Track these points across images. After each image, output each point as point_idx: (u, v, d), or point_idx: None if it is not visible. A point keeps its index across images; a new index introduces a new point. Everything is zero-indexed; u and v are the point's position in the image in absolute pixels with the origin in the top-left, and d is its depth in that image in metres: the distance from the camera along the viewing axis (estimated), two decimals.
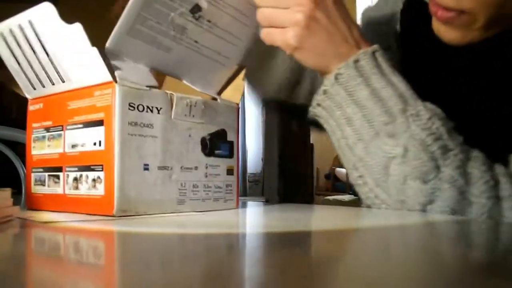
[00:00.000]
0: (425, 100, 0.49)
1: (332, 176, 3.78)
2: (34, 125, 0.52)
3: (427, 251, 0.30)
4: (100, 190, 0.45)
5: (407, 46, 0.62)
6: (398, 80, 0.50)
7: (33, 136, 0.52)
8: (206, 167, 0.51)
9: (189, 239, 0.36)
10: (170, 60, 0.51)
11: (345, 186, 3.36)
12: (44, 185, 0.50)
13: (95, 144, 0.45)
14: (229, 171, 0.53)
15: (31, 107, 0.53)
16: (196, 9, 0.50)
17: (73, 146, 0.47)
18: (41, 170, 0.50)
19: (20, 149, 0.81)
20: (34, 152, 0.52)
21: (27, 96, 0.53)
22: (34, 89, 0.51)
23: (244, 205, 0.59)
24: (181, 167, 0.49)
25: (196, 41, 0.52)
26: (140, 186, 0.45)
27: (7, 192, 0.41)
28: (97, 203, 0.45)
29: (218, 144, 0.52)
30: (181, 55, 0.51)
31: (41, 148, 0.51)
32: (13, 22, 0.48)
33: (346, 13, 0.53)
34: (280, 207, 0.60)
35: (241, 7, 0.54)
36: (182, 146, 0.49)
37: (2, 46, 0.50)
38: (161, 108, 0.47)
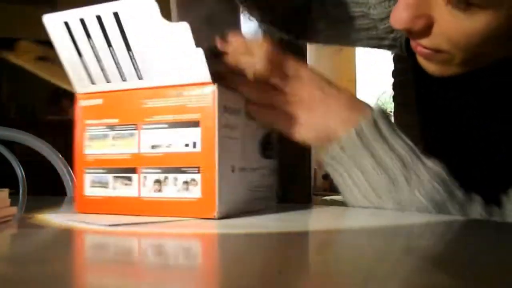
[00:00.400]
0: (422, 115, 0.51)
1: (329, 177, 3.77)
2: (89, 121, 0.48)
3: (418, 251, 0.30)
4: (195, 192, 0.44)
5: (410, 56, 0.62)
6: (398, 144, 0.51)
7: (88, 133, 0.48)
8: (262, 168, 0.52)
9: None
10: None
11: None
12: (106, 187, 0.47)
13: (187, 145, 0.44)
14: (272, 172, 0.54)
15: (83, 102, 0.49)
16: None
17: (154, 146, 0.45)
18: (103, 171, 0.48)
19: (17, 149, 0.81)
20: (89, 151, 0.48)
21: (78, 90, 0.49)
22: (93, 83, 0.48)
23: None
24: (250, 168, 0.49)
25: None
26: (231, 188, 0.45)
27: (4, 193, 0.41)
28: (192, 206, 0.44)
29: (268, 145, 0.53)
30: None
31: (101, 147, 0.48)
32: (88, 12, 0.45)
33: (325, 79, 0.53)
34: (278, 207, 0.60)
35: None
36: (251, 147, 0.50)
37: (62, 35, 0.47)
38: (240, 109, 0.48)
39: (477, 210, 0.49)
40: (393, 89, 1.62)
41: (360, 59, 3.64)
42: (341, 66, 3.40)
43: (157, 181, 0.45)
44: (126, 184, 0.46)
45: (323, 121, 0.52)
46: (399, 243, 0.35)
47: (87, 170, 0.48)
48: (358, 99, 0.54)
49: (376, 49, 0.72)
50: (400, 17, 0.46)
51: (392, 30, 0.65)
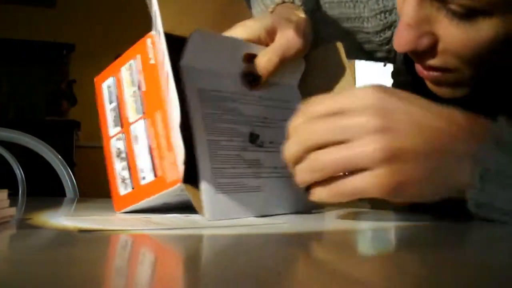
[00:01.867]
0: None
1: None
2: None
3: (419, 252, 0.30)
4: None
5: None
6: None
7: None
8: None
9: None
10: (264, 197, 0.48)
11: None
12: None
13: None
14: None
15: None
16: (253, 137, 0.50)
17: None
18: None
19: (16, 150, 0.80)
20: None
21: None
22: None
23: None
24: None
25: (275, 167, 0.50)
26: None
27: (3, 194, 0.41)
28: None
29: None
30: (271, 187, 0.49)
31: None
32: None
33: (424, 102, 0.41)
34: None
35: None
36: None
37: None
38: None
39: None
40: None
41: (359, 59, 3.62)
42: None
43: None
44: None
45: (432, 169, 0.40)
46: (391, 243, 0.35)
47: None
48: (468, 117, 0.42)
49: (365, 61, 0.71)
50: (403, 40, 0.44)
51: (387, 42, 0.64)
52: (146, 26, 0.55)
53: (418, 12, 0.44)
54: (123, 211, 0.49)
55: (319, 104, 0.41)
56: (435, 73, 0.46)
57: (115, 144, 0.50)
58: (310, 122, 0.41)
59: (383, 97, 0.39)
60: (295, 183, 0.42)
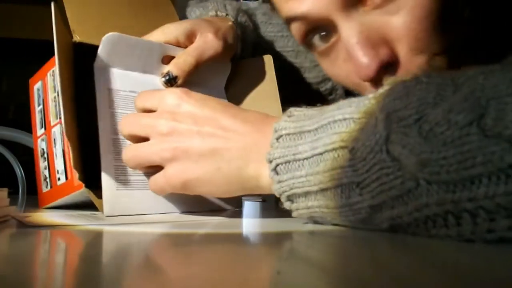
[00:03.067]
0: None
1: None
2: None
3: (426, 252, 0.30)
4: None
5: None
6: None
7: None
8: None
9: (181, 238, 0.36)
10: (169, 195, 0.49)
11: None
12: None
13: None
14: None
15: None
16: None
17: None
18: None
19: (16, 149, 0.80)
20: None
21: None
22: None
23: (241, 205, 0.59)
24: None
25: None
26: None
27: (3, 192, 0.41)
28: None
29: None
30: None
31: None
32: None
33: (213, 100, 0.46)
34: (277, 206, 0.60)
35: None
36: None
37: None
38: None
39: None
40: None
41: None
42: None
43: None
44: None
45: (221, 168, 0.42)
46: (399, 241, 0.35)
47: None
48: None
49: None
50: (366, 65, 0.44)
51: (330, 93, 0.64)
52: (144, 25, 0.55)
53: (355, 27, 0.44)
54: (45, 207, 0.53)
55: (138, 99, 0.47)
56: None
57: (40, 144, 0.54)
58: (129, 115, 0.47)
59: (182, 103, 0.44)
60: None
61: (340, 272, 0.24)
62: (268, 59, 0.58)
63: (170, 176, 0.43)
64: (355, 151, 0.33)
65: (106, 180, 0.46)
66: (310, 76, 0.64)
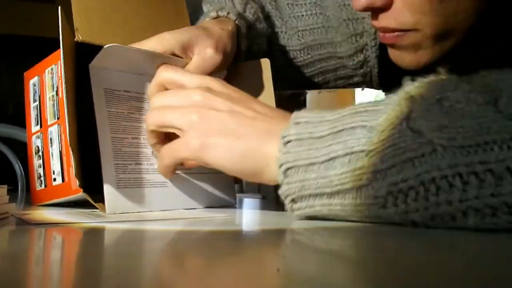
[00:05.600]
0: None
1: None
2: None
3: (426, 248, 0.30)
4: None
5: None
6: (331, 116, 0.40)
7: None
8: None
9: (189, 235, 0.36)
10: (169, 192, 0.50)
11: None
12: None
13: None
14: None
15: None
16: None
17: None
18: None
19: (15, 146, 0.80)
20: None
21: None
22: None
23: (240, 202, 0.59)
24: None
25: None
26: None
27: (3, 189, 0.41)
28: None
29: None
30: (177, 182, 0.51)
31: None
32: None
33: (241, 93, 0.47)
34: (277, 203, 0.60)
35: None
36: None
37: None
38: None
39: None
40: None
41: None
42: None
43: None
44: None
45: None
46: (377, 242, 0.35)
47: None
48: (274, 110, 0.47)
49: (344, 88, 0.71)
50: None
51: (361, 66, 0.64)
52: (145, 22, 0.55)
53: None
54: (39, 205, 0.53)
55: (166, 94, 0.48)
56: (394, 34, 0.47)
57: (35, 141, 0.54)
58: (161, 95, 0.48)
59: (219, 85, 0.47)
60: (203, 178, 0.53)
61: (352, 261, 0.24)
62: (265, 63, 0.58)
63: (191, 136, 0.44)
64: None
65: (107, 179, 0.46)
66: (341, 51, 0.64)
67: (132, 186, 0.48)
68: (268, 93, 0.57)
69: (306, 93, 1.80)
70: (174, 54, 0.51)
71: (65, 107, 0.45)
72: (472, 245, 0.31)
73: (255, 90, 0.58)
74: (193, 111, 0.44)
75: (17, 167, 0.78)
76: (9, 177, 0.67)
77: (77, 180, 0.44)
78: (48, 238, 0.34)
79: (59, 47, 0.46)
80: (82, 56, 0.49)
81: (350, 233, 0.36)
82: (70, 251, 0.30)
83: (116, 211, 0.45)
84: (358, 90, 3.31)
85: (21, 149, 0.78)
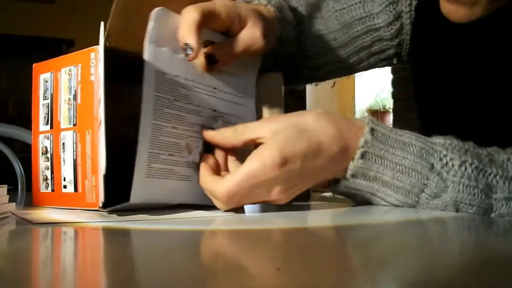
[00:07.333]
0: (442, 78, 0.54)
1: None
2: None
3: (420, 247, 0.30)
4: None
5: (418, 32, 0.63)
6: (407, 138, 0.48)
7: None
8: None
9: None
10: (192, 187, 0.49)
11: None
12: None
13: None
14: None
15: None
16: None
17: None
18: None
19: (15, 145, 0.80)
20: None
21: None
22: None
23: None
24: None
25: None
26: None
27: (3, 189, 0.41)
28: None
29: None
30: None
31: None
32: None
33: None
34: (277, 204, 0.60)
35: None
36: None
37: None
38: None
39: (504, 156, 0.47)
40: (392, 86, 1.62)
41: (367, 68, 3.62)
42: None
43: None
44: None
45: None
46: (403, 238, 0.35)
47: None
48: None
49: (374, 69, 0.72)
50: None
51: (397, 34, 0.65)
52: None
53: None
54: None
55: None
56: None
57: (42, 141, 0.51)
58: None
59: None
60: None
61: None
62: (277, 76, 0.59)
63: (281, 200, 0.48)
64: None
65: (139, 167, 0.44)
66: (379, 21, 0.65)
67: (160, 177, 0.46)
68: (278, 107, 0.58)
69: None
70: (231, 23, 0.52)
71: (101, 137, 0.43)
72: None
73: (268, 102, 0.59)
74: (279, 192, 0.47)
75: (17, 167, 0.78)
76: (9, 177, 0.67)
77: (100, 202, 0.43)
78: (49, 238, 0.34)
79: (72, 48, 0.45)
80: (108, 62, 0.46)
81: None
82: (71, 250, 0.30)
83: (140, 199, 0.44)
84: (358, 90, 3.32)
85: (21, 149, 0.78)
